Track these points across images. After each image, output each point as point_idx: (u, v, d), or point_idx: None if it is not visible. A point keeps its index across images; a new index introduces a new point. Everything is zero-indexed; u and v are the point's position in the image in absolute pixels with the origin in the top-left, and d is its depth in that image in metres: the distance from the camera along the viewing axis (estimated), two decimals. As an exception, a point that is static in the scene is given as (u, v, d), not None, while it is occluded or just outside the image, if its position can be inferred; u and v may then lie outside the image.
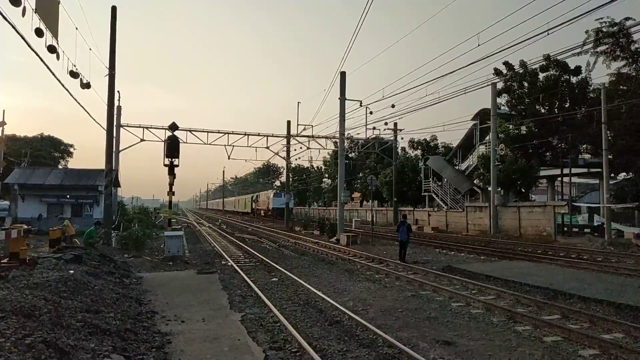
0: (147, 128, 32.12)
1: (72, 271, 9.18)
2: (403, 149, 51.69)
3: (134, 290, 10.30)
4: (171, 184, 18.97)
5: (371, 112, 28.69)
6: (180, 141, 20.59)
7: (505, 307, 9.17)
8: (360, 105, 27.22)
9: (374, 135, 37.08)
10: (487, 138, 34.92)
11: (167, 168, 18.67)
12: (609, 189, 26.34)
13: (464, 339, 7.27)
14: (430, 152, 47.77)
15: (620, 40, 27.58)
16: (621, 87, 28.66)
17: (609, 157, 26.20)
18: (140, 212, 37.42)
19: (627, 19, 27.00)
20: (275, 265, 15.24)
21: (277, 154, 39.33)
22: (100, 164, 20.41)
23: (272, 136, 36.61)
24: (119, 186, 31.22)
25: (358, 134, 45.13)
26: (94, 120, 36.13)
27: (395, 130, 37.99)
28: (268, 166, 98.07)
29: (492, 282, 11.96)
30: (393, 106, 27.22)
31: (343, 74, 25.91)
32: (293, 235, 29.50)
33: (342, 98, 25.83)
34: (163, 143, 19.80)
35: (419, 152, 49.85)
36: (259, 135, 35.80)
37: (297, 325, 7.98)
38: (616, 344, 6.75)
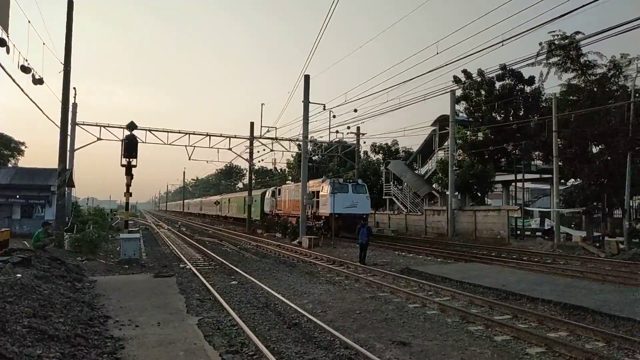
0: (104, 127, 31.09)
1: (19, 275, 8.77)
2: (365, 152, 52.39)
3: (87, 295, 9.95)
4: (128, 185, 18.45)
5: (334, 116, 29.03)
6: (139, 141, 20.06)
7: (460, 307, 9.46)
8: (324, 109, 27.40)
9: (337, 139, 37.37)
10: (446, 144, 35.89)
11: (124, 168, 18.15)
12: (558, 194, 27.62)
13: (418, 339, 7.45)
14: (391, 156, 48.61)
15: (571, 53, 29.00)
16: (571, 97, 30.11)
17: (559, 163, 27.48)
18: (95, 213, 36.12)
19: (577, 32, 28.41)
20: (235, 268, 15.08)
21: (239, 155, 38.97)
22: (54, 164, 19.60)
23: (235, 137, 36.26)
24: (73, 186, 30.03)
25: (321, 137, 45.42)
26: (47, 117, 34.63)
27: (357, 134, 38.42)
28: (230, 168, 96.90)
29: (447, 284, 12.30)
30: (355, 110, 27.65)
31: (307, 78, 26.00)
32: (255, 238, 29.29)
33: (306, 101, 25.91)
34: (121, 142, 19.22)
35: (380, 156, 50.66)
36: (221, 136, 35.36)
37: (255, 328, 7.95)
38: (561, 342, 7.10)
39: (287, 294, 10.95)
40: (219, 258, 17.74)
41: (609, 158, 27.19)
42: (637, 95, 24.96)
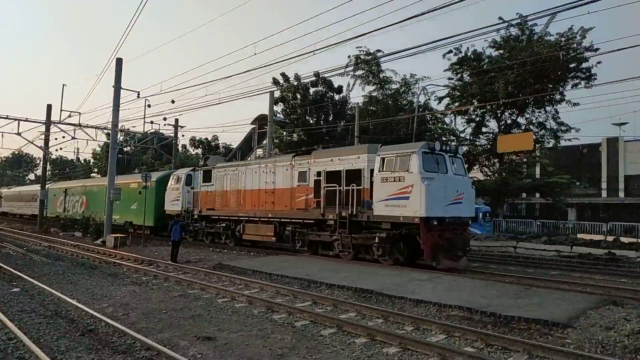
0: None
1: None
2: (184, 146, 50.57)
3: None
4: None
5: (150, 105, 27.15)
6: None
7: (266, 299, 9.94)
8: (138, 97, 25.48)
9: (153, 130, 35.21)
10: (264, 142, 37.07)
11: None
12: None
13: (224, 333, 7.60)
14: (211, 151, 47.96)
15: (373, 68, 33.00)
16: (371, 107, 34.27)
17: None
18: None
19: (378, 51, 32.49)
20: (19, 273, 13.00)
21: (32, 142, 33.55)
22: None
23: (27, 121, 31.04)
24: None
25: (134, 126, 42.18)
26: None
27: (175, 126, 36.83)
28: (19, 156, 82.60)
29: (258, 277, 12.77)
30: (173, 102, 26.49)
31: (119, 61, 23.83)
32: (48, 238, 25.61)
33: (117, 86, 23.72)
34: None
35: (200, 150, 49.54)
36: (7, 118, 29.89)
37: (40, 339, 7.03)
38: (349, 322, 8.07)
39: (83, 299, 9.93)
40: (-3, 262, 15.01)
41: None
42: (420, 109, 29.76)
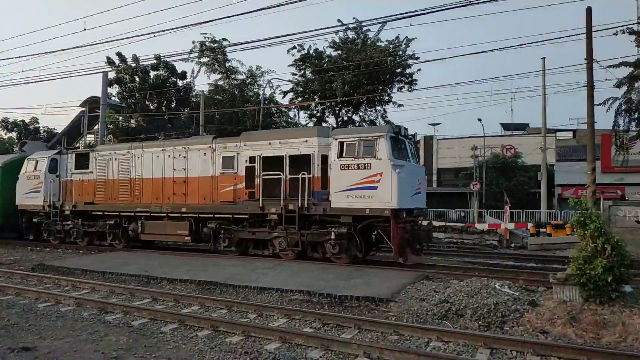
0: None
1: None
2: (-9, 129, 42.81)
3: None
4: None
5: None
6: None
7: (99, 299, 9.14)
8: None
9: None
10: (96, 127, 33.55)
11: None
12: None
13: (47, 341, 6.79)
14: (29, 135, 41.55)
15: (218, 56, 32.31)
16: (217, 96, 33.59)
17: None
18: None
19: (224, 39, 31.90)
20: None
21: None
22: None
23: None
24: None
25: None
26: None
27: (-21, 105, 30.98)
28: None
29: (88, 276, 11.66)
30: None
31: None
32: None
33: None
34: None
35: (14, 134, 42.56)
36: None
37: None
38: (192, 316, 7.92)
39: None
40: None
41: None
42: (265, 102, 30.24)
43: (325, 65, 25.59)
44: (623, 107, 20.62)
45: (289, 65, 27.04)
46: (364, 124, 26.44)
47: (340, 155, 12.25)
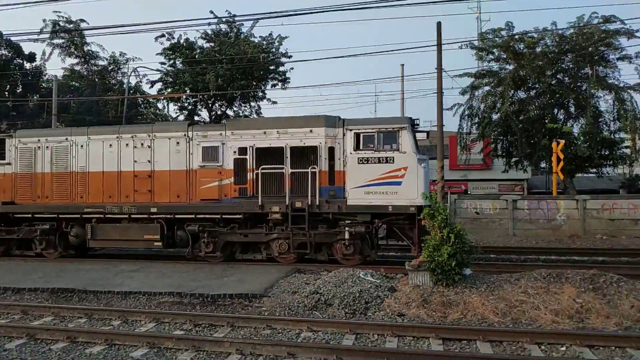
0: None
1: None
2: None
3: None
4: None
5: None
6: None
7: None
8: None
9: None
10: None
11: None
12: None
13: None
14: None
15: (75, 38, 29.16)
16: (74, 83, 30.36)
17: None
18: None
19: (82, 20, 28.90)
20: None
21: None
22: None
23: None
24: None
25: None
26: None
27: None
28: None
29: None
30: None
31: None
32: None
33: None
34: None
35: None
36: None
37: None
38: (44, 328, 7.16)
39: None
40: None
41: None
42: (131, 91, 28.20)
43: (197, 56, 24.74)
44: (466, 113, 23.68)
45: (157, 54, 25.58)
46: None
47: (357, 147, 11.41)
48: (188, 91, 25.35)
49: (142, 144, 12.86)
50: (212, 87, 22.64)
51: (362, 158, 11.33)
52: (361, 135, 11.45)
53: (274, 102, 26.48)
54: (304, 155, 11.81)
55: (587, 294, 7.84)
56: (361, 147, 11.40)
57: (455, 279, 8.56)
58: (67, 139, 13.57)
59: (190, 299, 8.89)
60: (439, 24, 14.20)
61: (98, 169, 13.10)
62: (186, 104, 26.53)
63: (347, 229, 11.33)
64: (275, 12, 13.54)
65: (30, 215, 13.38)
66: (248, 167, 12.08)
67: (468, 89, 23.36)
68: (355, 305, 8.11)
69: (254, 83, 25.47)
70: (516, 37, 21.19)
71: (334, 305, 8.20)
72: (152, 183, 12.70)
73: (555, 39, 20.96)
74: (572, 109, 22.88)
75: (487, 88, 23.04)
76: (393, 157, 11.16)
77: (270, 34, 24.93)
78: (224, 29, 25.19)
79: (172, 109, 27.29)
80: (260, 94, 26.28)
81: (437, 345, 6.44)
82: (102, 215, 12.81)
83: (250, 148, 12.11)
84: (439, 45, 14.02)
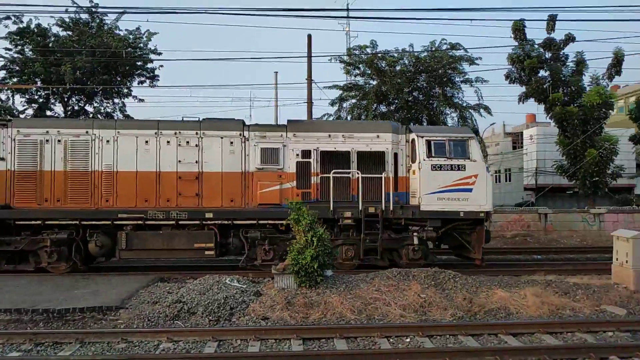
0: None
1: None
2: None
3: None
4: None
5: None
6: None
7: None
8: None
9: None
10: None
11: None
12: None
13: None
14: None
15: None
16: None
17: None
18: None
19: None
20: None
21: None
22: None
23: None
24: None
25: None
26: None
27: None
28: None
29: None
30: None
31: None
32: None
33: None
34: None
35: None
36: None
37: None
38: None
39: None
40: None
41: None
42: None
43: (51, 45, 22.21)
44: (337, 123, 24.95)
45: (0, 38, 22.42)
46: (99, 115, 24.03)
47: (429, 154, 11.64)
48: (39, 83, 22.61)
49: (187, 143, 11.67)
50: (69, 80, 20.51)
51: (436, 165, 11.63)
52: (432, 142, 11.75)
53: (141, 100, 24.87)
54: (370, 160, 11.97)
55: (430, 289, 8.85)
56: (433, 155, 11.71)
57: (318, 280, 8.99)
58: (87, 132, 11.64)
59: (32, 315, 7.93)
60: (309, 36, 14.87)
61: (130, 168, 11.54)
62: (36, 97, 23.59)
63: (415, 234, 11.62)
64: (141, 8, 12.77)
65: (38, 223, 11.11)
66: (312, 171, 11.85)
67: (337, 101, 24.68)
68: (220, 312, 8.03)
69: (118, 79, 23.69)
70: (379, 55, 22.99)
71: (197, 313, 8.01)
72: (200, 186, 11.64)
73: (412, 59, 23.23)
74: (425, 124, 25.57)
75: (353, 101, 24.58)
76: (465, 165, 11.65)
77: (138, 28, 23.49)
78: (84, 18, 23.03)
79: (19, 101, 23.94)
80: (126, 90, 24.49)
81: (297, 346, 6.70)
82: (141, 222, 11.21)
83: (315, 151, 11.90)
84: (309, 57, 14.66)
